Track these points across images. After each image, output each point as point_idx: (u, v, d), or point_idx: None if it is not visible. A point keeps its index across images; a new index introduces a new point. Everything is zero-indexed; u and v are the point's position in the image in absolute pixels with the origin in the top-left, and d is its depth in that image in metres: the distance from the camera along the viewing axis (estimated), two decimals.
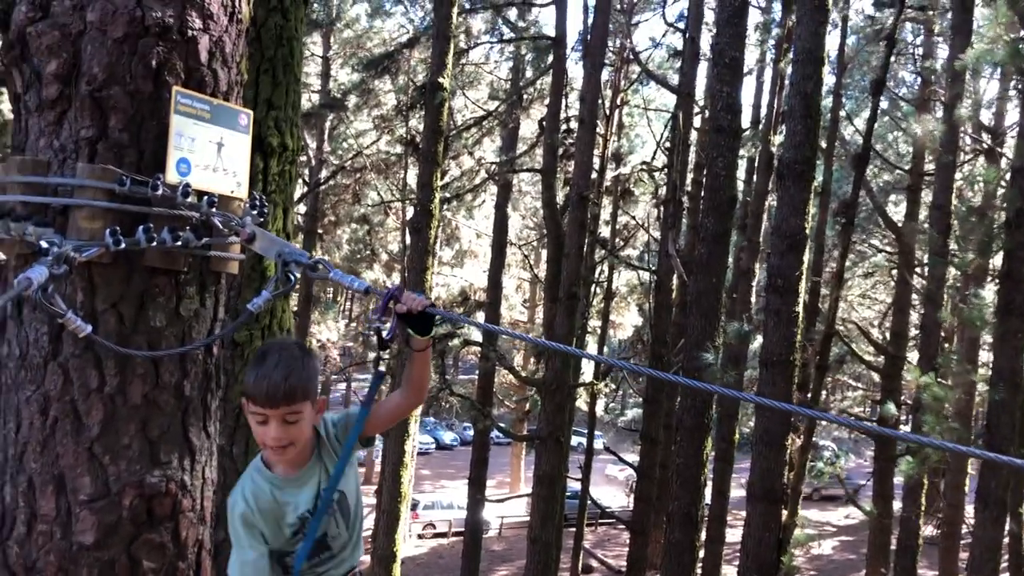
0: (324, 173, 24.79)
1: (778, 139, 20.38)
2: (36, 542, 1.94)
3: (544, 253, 33.32)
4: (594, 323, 26.51)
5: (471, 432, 28.50)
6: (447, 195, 22.15)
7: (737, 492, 21.93)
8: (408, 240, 25.68)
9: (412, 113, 21.39)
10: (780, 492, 10.04)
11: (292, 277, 1.97)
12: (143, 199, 1.92)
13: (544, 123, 19.26)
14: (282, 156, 3.70)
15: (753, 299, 19.51)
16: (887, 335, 24.86)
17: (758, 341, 14.20)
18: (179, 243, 1.93)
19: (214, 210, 1.98)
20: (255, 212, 2.10)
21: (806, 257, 10.74)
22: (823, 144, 17.36)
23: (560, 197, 19.26)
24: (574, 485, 25.48)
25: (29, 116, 1.99)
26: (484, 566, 24.76)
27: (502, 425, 24.32)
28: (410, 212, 25.66)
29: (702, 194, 19.33)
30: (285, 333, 3.73)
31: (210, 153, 2.02)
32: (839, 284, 11.60)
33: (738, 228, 19.23)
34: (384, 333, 1.91)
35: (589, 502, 24.06)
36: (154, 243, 1.88)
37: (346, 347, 37.78)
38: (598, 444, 25.74)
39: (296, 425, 1.91)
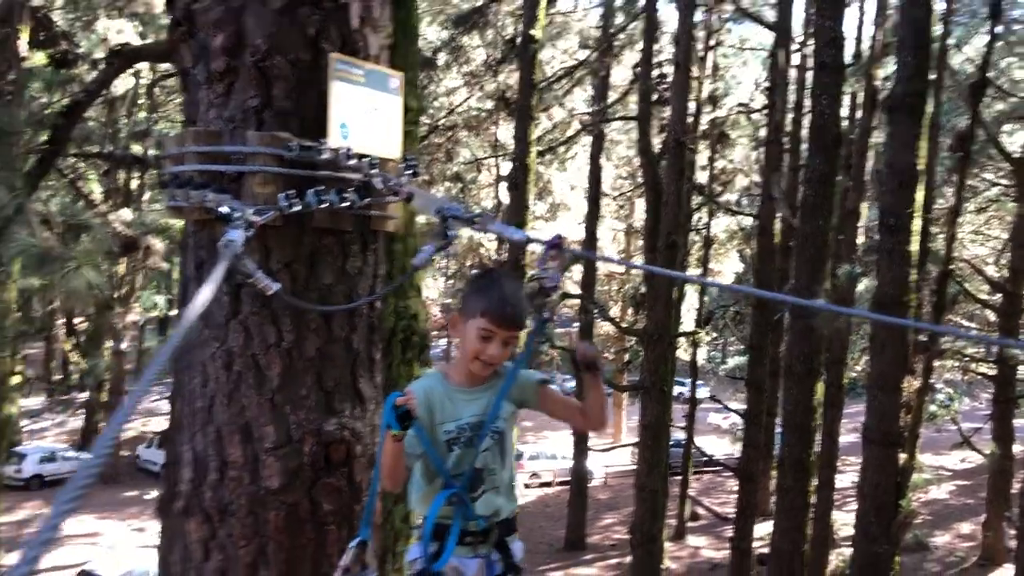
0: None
1: (883, 72, 19.60)
2: (228, 487, 2.09)
3: (638, 203, 33.00)
4: (693, 271, 26.21)
5: (572, 384, 28.71)
6: (540, 148, 22.10)
7: (846, 438, 21.55)
8: (501, 196, 25.76)
9: (502, 68, 21.36)
10: (898, 435, 9.83)
11: (450, 233, 2.05)
12: (309, 163, 2.02)
13: (637, 69, 18.95)
14: (406, 117, 3.79)
15: (859, 240, 18.94)
16: (1004, 272, 23.83)
17: (864, 283, 13.86)
18: (345, 204, 2.02)
19: (375, 171, 2.06)
20: (409, 172, 2.19)
21: (918, 194, 10.37)
22: (932, 76, 16.60)
23: (656, 144, 18.98)
24: (678, 434, 25.50)
25: (199, 89, 2.10)
26: (590, 514, 25.08)
27: (604, 376, 24.44)
28: (503, 168, 25.75)
29: (803, 134, 18.80)
30: (415, 289, 3.85)
31: (366, 116, 2.11)
32: (954, 220, 11.18)
33: (842, 167, 18.64)
34: (546, 282, 2.01)
35: (694, 450, 24.06)
36: (324, 205, 1.98)
37: (444, 304, 38.41)
38: (701, 393, 25.60)
39: (509, 348, 2.14)
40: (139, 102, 25.81)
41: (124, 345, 28.86)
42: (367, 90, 2.11)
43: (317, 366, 2.10)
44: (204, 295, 1.38)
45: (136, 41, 13.97)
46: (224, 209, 1.92)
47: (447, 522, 2.26)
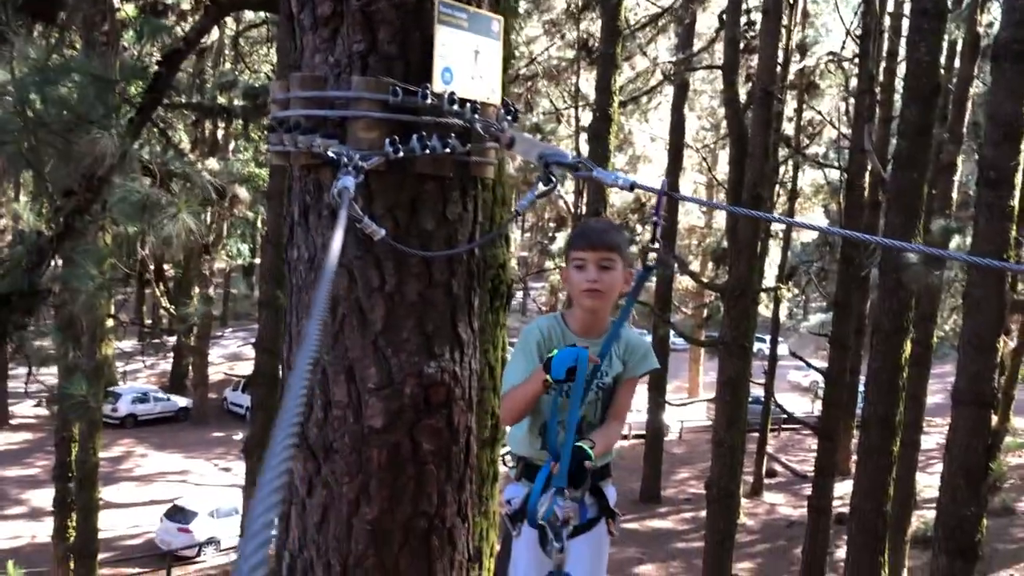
0: None
1: (986, 18, 18.64)
2: (332, 425, 2.16)
3: (721, 155, 32.33)
4: (777, 227, 25.64)
5: (649, 338, 28.57)
6: (622, 99, 21.76)
7: (932, 399, 21.00)
8: (582, 147, 25.51)
9: (584, 15, 21.03)
10: (991, 396, 9.52)
11: (554, 178, 2.04)
12: (412, 108, 2.03)
13: (724, 16, 18.43)
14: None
15: (955, 195, 18.22)
16: None
17: (956, 240, 13.36)
18: (447, 150, 2.03)
19: (476, 116, 2.06)
20: (509, 117, 2.18)
21: (1023, 146, 9.90)
22: None
23: (742, 94, 18.50)
24: (756, 391, 25.21)
25: (304, 34, 2.13)
26: (665, 468, 25.11)
27: (682, 331, 24.26)
28: (583, 118, 25.45)
29: (897, 84, 18.08)
30: (503, 238, 3.86)
31: (468, 61, 2.10)
32: None
33: (938, 119, 17.90)
34: (657, 229, 2.02)
35: (773, 407, 23.78)
36: (427, 150, 1.99)
37: (521, 257, 38.48)
38: (781, 350, 25.22)
39: (609, 273, 2.19)
40: (225, 53, 26.27)
41: (211, 292, 29.78)
42: (470, 34, 2.10)
43: (418, 310, 2.13)
44: (336, 242, 1.40)
45: None
46: (332, 153, 1.95)
47: (541, 464, 2.30)
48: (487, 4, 2.20)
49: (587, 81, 23.66)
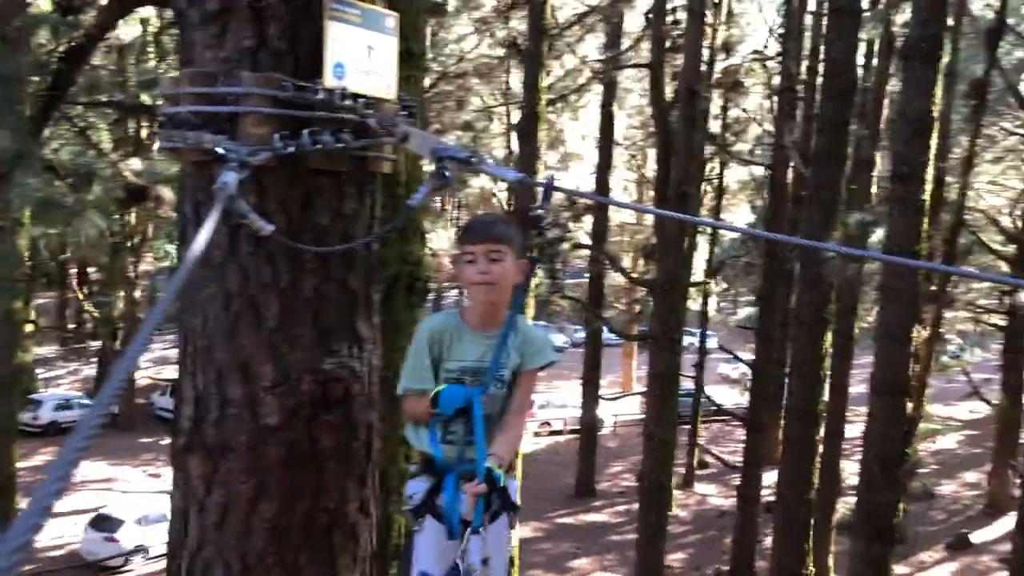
0: (427, 81, 24.78)
1: (900, 18, 19.23)
2: (228, 424, 2.14)
3: (651, 153, 32.74)
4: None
5: (582, 335, 28.83)
6: (551, 97, 21.88)
7: (855, 388, 21.60)
8: (513, 145, 25.58)
9: (513, 13, 21.08)
10: (906, 385, 9.87)
11: (446, 173, 2.06)
12: (304, 104, 2.02)
13: (650, 15, 18.67)
14: (408, 61, 3.77)
15: (874, 190, 18.78)
16: (1018, 223, 23.65)
17: (877, 234, 13.79)
18: (340, 145, 2.03)
19: (370, 111, 2.06)
20: (405, 113, 2.19)
21: (932, 142, 10.26)
22: (950, 21, 16.29)
23: (668, 92, 18.78)
24: (687, 384, 25.64)
25: (193, 30, 2.10)
26: (600, 462, 25.38)
27: (613, 326, 24.53)
28: (514, 116, 25.54)
29: (819, 82, 18.55)
30: (419, 235, 3.87)
31: (362, 56, 2.10)
32: (968, 170, 11.08)
33: (857, 116, 18.42)
34: (542, 221, 2.05)
35: (703, 399, 24.22)
36: (318, 145, 1.99)
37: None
38: (711, 343, 25.67)
39: (499, 264, 2.21)
40: (148, 50, 25.65)
41: (137, 294, 29.07)
42: (363, 30, 2.10)
43: (314, 306, 2.13)
44: (201, 238, 1.39)
45: None
46: (220, 150, 1.93)
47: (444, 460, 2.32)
48: (381, 1, 2.20)
49: (517, 79, 23.75)
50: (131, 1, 5.53)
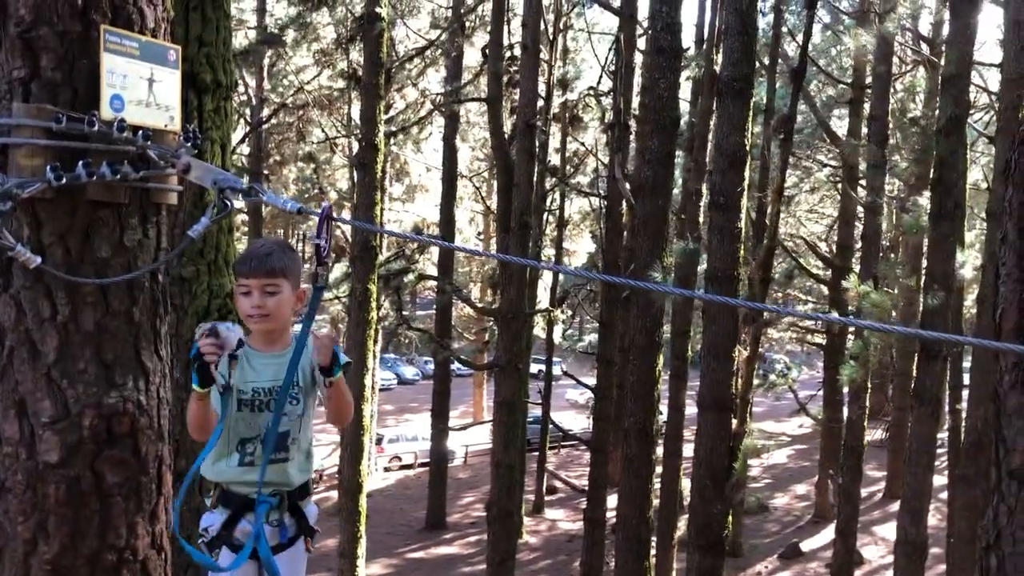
0: (266, 112, 24.38)
1: (720, 58, 20.48)
2: (3, 463, 2.07)
3: (496, 184, 33.31)
4: (548, 251, 26.74)
5: (432, 366, 28.82)
6: (393, 129, 21.98)
7: (692, 409, 22.50)
8: (356, 177, 25.48)
9: (352, 46, 21.05)
10: (729, 402, 10.43)
11: (228, 203, 2.09)
12: (80, 135, 2.01)
13: (487, 51, 19.10)
14: (216, 93, 3.76)
15: (701, 219, 19.79)
16: (834, 248, 25.44)
17: (706, 260, 14.56)
18: (118, 176, 2.03)
19: (149, 143, 2.07)
20: (189, 144, 2.20)
21: (747, 174, 10.95)
22: (765, 61, 17.50)
23: (508, 126, 19.23)
24: (536, 411, 26.05)
25: None
26: (451, 494, 25.31)
27: (462, 356, 24.64)
28: (356, 148, 25.45)
29: (647, 116, 19.44)
30: (230, 267, 3.84)
31: (142, 89, 2.11)
32: (779, 198, 11.88)
33: (684, 149, 19.42)
34: (321, 249, 2.11)
35: (551, 426, 24.63)
36: (94, 177, 1.98)
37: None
38: (557, 370, 26.22)
39: (275, 298, 2.22)
40: None
41: None
42: (143, 63, 2.11)
43: (96, 339, 2.10)
44: None
45: None
46: None
47: (238, 489, 2.32)
48: (164, 34, 2.22)
49: (359, 110, 23.71)
50: None
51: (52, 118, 1.97)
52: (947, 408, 17.62)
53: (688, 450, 20.47)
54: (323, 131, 26.68)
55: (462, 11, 21.74)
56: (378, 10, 13.30)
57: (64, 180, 1.94)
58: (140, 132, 2.07)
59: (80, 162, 1.98)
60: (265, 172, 24.90)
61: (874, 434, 27.99)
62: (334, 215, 2.04)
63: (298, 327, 2.30)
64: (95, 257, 2.09)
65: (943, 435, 19.10)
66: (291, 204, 2.02)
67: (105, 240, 2.10)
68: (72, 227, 2.06)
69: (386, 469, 29.76)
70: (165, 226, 2.27)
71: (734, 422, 11.03)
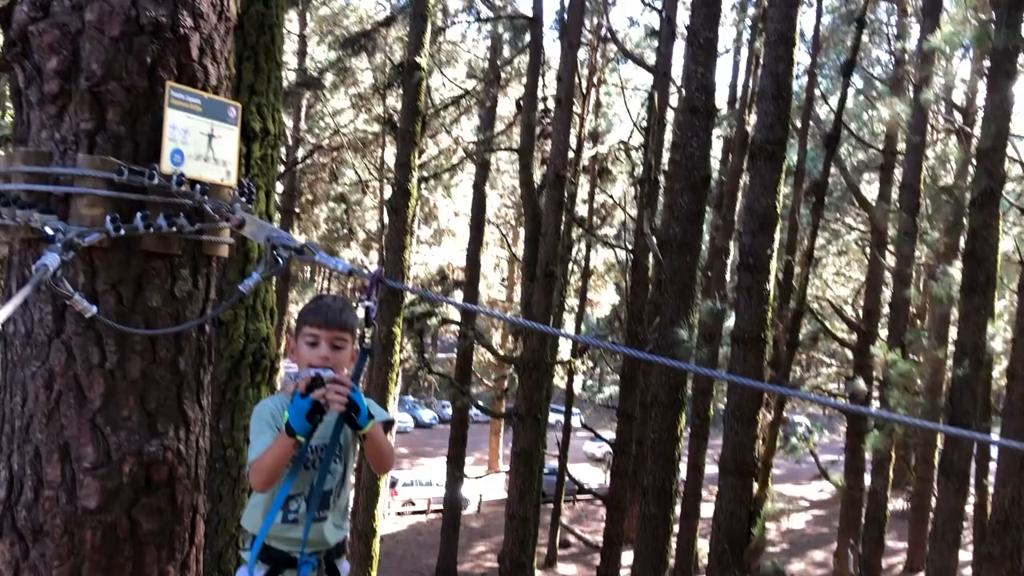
0: (301, 152, 24.76)
1: (753, 119, 20.60)
2: (43, 507, 2.09)
3: (522, 232, 33.48)
4: (572, 301, 26.76)
5: (450, 410, 28.74)
6: (425, 174, 22.21)
7: (712, 468, 22.24)
8: (386, 219, 25.73)
9: (389, 92, 21.41)
10: (752, 466, 10.31)
11: (280, 260, 2.12)
12: (140, 187, 2.06)
13: (521, 103, 19.34)
14: (264, 141, 3.83)
15: (728, 277, 19.77)
16: (860, 312, 25.25)
17: (732, 319, 14.49)
18: (173, 228, 2.07)
19: (206, 197, 2.12)
20: (244, 199, 2.25)
21: (777, 236, 10.96)
22: (797, 123, 17.58)
23: (537, 176, 19.39)
24: (552, 462, 25.83)
25: (31, 110, 2.11)
26: (463, 542, 25.05)
27: (480, 403, 24.57)
28: (388, 191, 25.70)
29: (677, 173, 19.54)
30: (267, 312, 3.87)
31: (202, 144, 2.16)
32: (809, 262, 11.85)
33: (713, 207, 19.46)
34: (370, 311, 2.13)
35: (567, 478, 24.39)
36: (151, 229, 2.02)
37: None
38: (576, 421, 26.04)
39: (340, 352, 2.26)
40: (6, 106, 24.63)
41: None
42: (204, 119, 2.16)
43: (140, 387, 2.12)
44: (2, 315, 1.41)
45: None
46: (48, 230, 1.94)
47: (279, 546, 2.32)
48: (225, 90, 2.28)
49: (392, 154, 24.01)
50: None
51: (114, 170, 2.02)
52: (973, 482, 17.30)
53: (706, 510, 20.21)
54: (356, 173, 27.02)
55: (498, 63, 22.06)
56: (418, 59, 13.53)
57: (123, 231, 1.99)
58: (198, 186, 2.11)
59: (138, 213, 2.02)
60: (296, 211, 25.19)
61: (896, 503, 27.49)
62: (384, 279, 2.07)
63: None
64: (146, 306, 2.12)
65: (968, 508, 18.75)
66: (342, 265, 2.05)
67: (156, 290, 2.14)
68: (125, 276, 2.10)
69: (399, 513, 29.55)
70: (215, 277, 2.31)
71: (755, 486, 10.89)
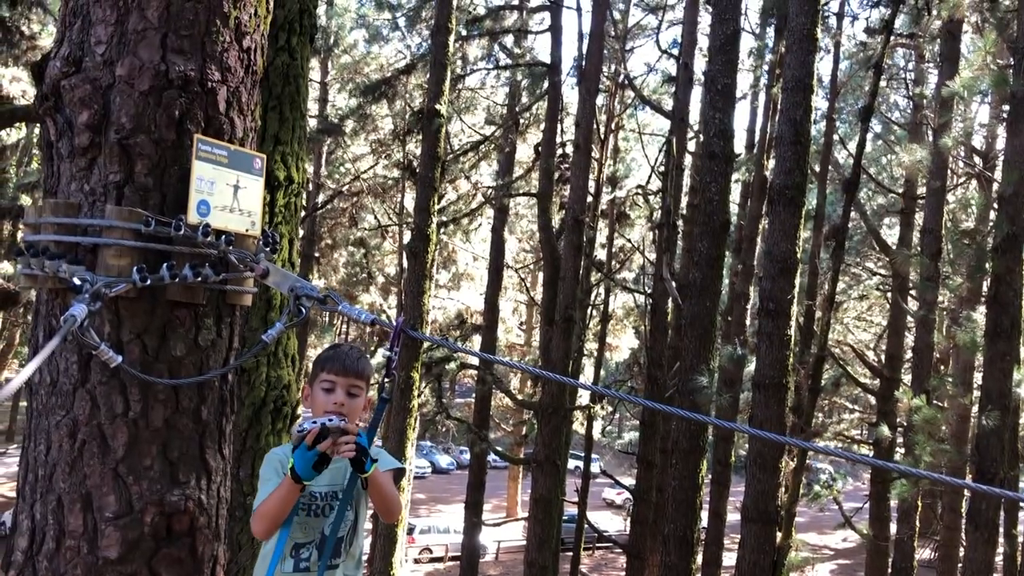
0: (321, 197, 25.00)
1: (771, 164, 20.64)
2: (64, 557, 2.08)
3: (541, 276, 33.52)
4: (591, 345, 26.65)
5: (467, 456, 28.53)
6: (444, 219, 22.34)
7: (734, 515, 21.92)
8: (405, 263, 25.86)
9: (409, 138, 21.65)
10: (775, 514, 10.15)
11: (303, 310, 2.14)
12: (166, 238, 2.08)
13: (540, 148, 19.49)
14: (288, 189, 3.88)
15: (748, 322, 19.66)
16: (883, 357, 24.99)
17: (753, 364, 14.38)
18: (199, 279, 2.09)
19: (231, 248, 2.14)
20: (268, 249, 2.27)
21: (797, 281, 10.89)
22: (816, 168, 17.60)
23: (556, 221, 19.46)
24: (571, 509, 25.52)
25: (61, 162, 2.15)
26: None
27: (499, 448, 24.37)
28: (407, 235, 25.86)
29: (696, 218, 19.56)
30: (289, 359, 3.88)
31: (227, 195, 2.19)
32: (830, 307, 11.76)
33: (732, 251, 19.43)
34: (392, 364, 2.13)
35: (586, 526, 24.08)
36: (176, 279, 2.04)
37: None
38: (595, 468, 25.77)
39: (355, 399, 2.25)
40: (32, 152, 25.10)
41: None
42: (230, 171, 2.20)
43: (163, 437, 2.13)
44: (31, 367, 1.42)
45: (32, 91, 13.64)
46: (76, 280, 1.96)
47: None
48: (251, 142, 2.31)
49: (412, 199, 24.21)
50: (7, 117, 5.49)
51: (141, 221, 2.05)
52: (1002, 531, 16.94)
53: (728, 559, 19.89)
54: (375, 217, 27.23)
55: (516, 109, 22.28)
56: (438, 107, 13.69)
57: (149, 281, 2.00)
58: (223, 236, 2.13)
59: (164, 264, 2.04)
60: (316, 255, 25.37)
61: (922, 553, 26.92)
62: (406, 329, 2.07)
63: None
64: (170, 356, 2.13)
65: (998, 558, 18.34)
66: (365, 315, 2.06)
67: (181, 339, 2.15)
68: (150, 326, 2.12)
69: (416, 561, 29.23)
70: (238, 326, 2.32)
71: (778, 535, 10.71)
